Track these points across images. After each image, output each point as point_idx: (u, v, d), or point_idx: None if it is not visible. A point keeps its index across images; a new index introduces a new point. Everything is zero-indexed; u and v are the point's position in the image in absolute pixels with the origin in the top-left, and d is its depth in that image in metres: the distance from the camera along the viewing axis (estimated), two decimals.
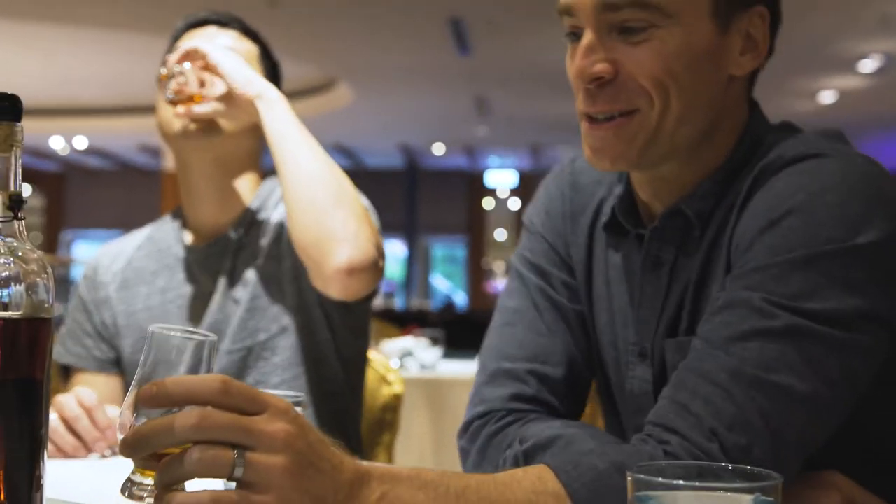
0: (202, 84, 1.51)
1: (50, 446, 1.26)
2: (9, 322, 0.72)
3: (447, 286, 16.95)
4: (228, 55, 1.52)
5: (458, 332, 6.59)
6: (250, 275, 1.59)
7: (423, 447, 3.54)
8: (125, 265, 1.70)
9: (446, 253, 17.20)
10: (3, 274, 0.72)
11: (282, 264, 1.58)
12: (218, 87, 1.50)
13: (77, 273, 12.34)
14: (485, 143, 13.79)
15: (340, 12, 7.45)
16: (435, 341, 4.14)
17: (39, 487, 0.74)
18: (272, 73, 1.69)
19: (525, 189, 15.00)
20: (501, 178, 15.84)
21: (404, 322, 7.06)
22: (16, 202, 0.74)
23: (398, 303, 15.23)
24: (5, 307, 0.72)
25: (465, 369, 4.07)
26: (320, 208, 1.43)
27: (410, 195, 15.48)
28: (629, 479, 0.62)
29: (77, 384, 1.61)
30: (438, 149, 14.03)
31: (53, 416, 1.27)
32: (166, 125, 1.59)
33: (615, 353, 1.08)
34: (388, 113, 11.41)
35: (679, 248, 1.01)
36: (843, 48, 8.21)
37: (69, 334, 1.67)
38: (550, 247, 1.13)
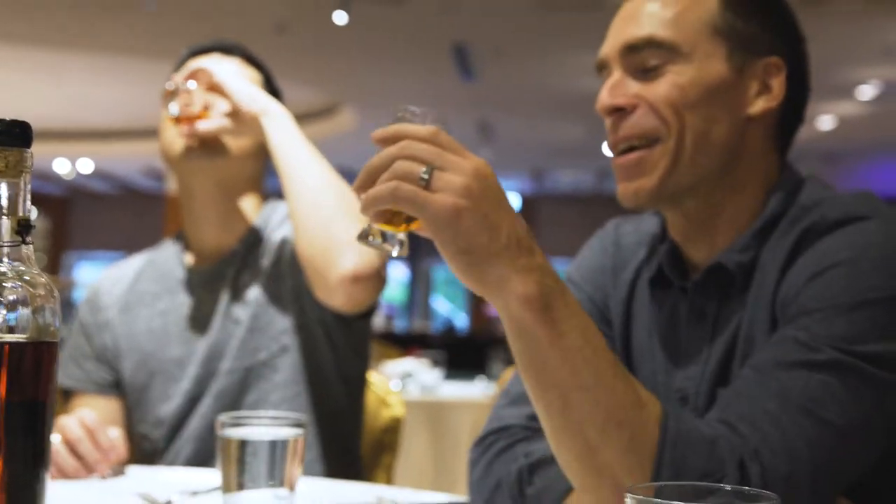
0: (207, 106, 1.53)
1: (52, 468, 1.27)
2: (15, 345, 0.73)
3: (448, 308, 16.93)
4: (233, 74, 1.55)
5: (459, 354, 6.59)
6: (251, 294, 1.60)
7: (423, 469, 3.53)
8: (127, 289, 1.71)
9: (447, 275, 17.19)
10: (11, 297, 0.73)
11: (283, 284, 1.59)
12: (222, 106, 1.52)
13: (80, 296, 12.33)
14: None
15: (346, 38, 7.51)
16: (436, 363, 4.14)
17: None
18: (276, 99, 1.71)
19: (528, 213, 15.01)
20: (510, 199, 15.82)
21: (405, 344, 7.05)
22: (24, 227, 0.75)
23: (399, 325, 15.21)
24: (11, 330, 0.73)
25: (466, 391, 4.07)
26: (325, 218, 1.45)
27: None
28: (628, 499, 0.63)
29: (77, 407, 1.61)
30: None
31: (56, 438, 1.28)
32: (169, 147, 1.60)
33: None
34: None
35: (721, 300, 1.06)
36: (843, 74, 8.25)
37: (70, 357, 1.68)
38: (588, 297, 1.19)
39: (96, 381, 1.65)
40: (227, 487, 0.98)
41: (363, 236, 0.84)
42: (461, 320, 16.09)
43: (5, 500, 0.72)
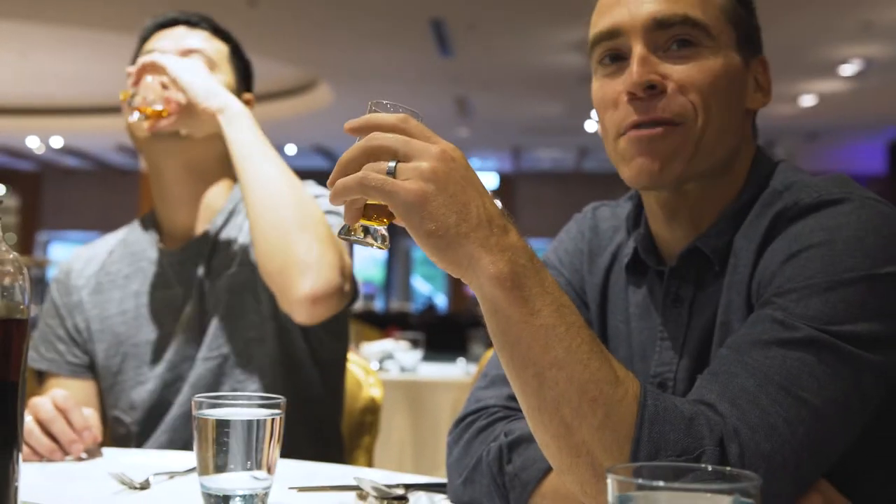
0: (166, 100, 1.48)
1: (25, 449, 1.25)
2: None
3: (428, 288, 16.95)
4: (187, 67, 1.49)
5: (439, 334, 6.60)
6: (225, 282, 1.57)
7: (402, 450, 3.54)
8: (98, 269, 1.68)
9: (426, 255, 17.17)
10: None
11: (256, 271, 1.55)
12: (180, 99, 1.47)
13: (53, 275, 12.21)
14: (466, 145, 13.81)
15: (321, 12, 7.44)
16: (415, 344, 4.13)
17: (15, 490, 0.73)
18: (244, 72, 1.67)
19: (506, 191, 15.03)
20: (482, 179, 15.85)
21: (384, 324, 7.06)
22: None
23: (378, 305, 15.21)
24: None
25: (446, 372, 4.07)
26: (284, 232, 1.40)
27: None
28: (609, 479, 0.62)
29: (50, 389, 1.59)
30: None
31: (28, 419, 1.26)
32: (135, 129, 1.56)
33: None
34: None
35: (697, 284, 1.06)
36: (824, 52, 8.30)
37: (42, 339, 1.65)
38: (567, 281, 1.20)
39: (70, 362, 1.63)
40: (203, 469, 0.96)
41: (345, 232, 0.85)
42: (441, 300, 16.12)
43: None
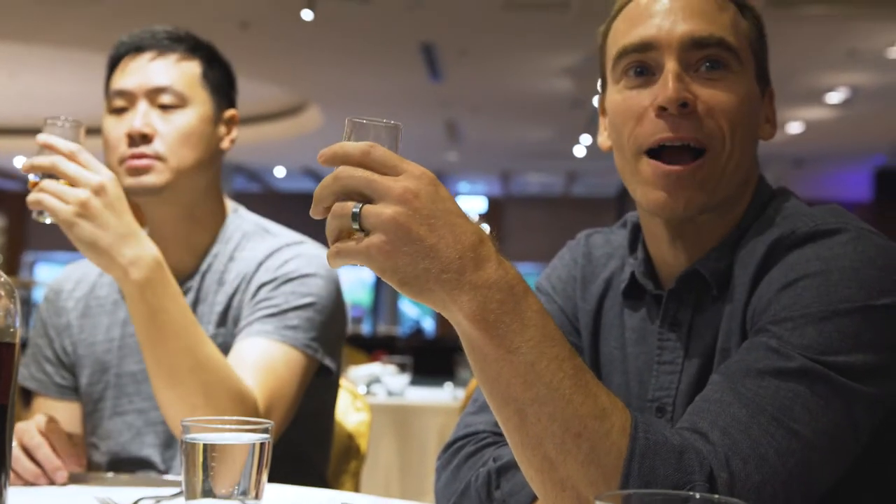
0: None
1: (10, 474, 1.23)
2: None
3: (415, 312, 16.91)
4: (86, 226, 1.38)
5: (426, 358, 6.57)
6: (213, 315, 1.55)
7: (389, 474, 3.51)
8: (88, 291, 1.66)
9: None
10: None
11: (241, 314, 1.53)
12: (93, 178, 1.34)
13: (39, 296, 12.13)
14: (455, 169, 13.84)
15: (312, 36, 7.47)
16: (402, 368, 4.12)
17: None
18: (224, 88, 1.58)
19: (494, 215, 15.06)
20: (471, 203, 15.90)
21: (372, 348, 7.02)
22: None
23: (366, 328, 15.16)
24: None
25: (433, 396, 4.05)
26: (190, 407, 1.28)
27: None
28: None
29: (38, 409, 1.58)
30: None
31: (13, 444, 1.24)
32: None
33: None
34: None
35: (695, 308, 1.06)
36: (810, 80, 8.39)
37: (32, 358, 1.64)
38: (559, 308, 1.19)
39: (57, 384, 1.62)
40: (190, 494, 0.96)
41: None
42: (428, 324, 16.08)
43: None
